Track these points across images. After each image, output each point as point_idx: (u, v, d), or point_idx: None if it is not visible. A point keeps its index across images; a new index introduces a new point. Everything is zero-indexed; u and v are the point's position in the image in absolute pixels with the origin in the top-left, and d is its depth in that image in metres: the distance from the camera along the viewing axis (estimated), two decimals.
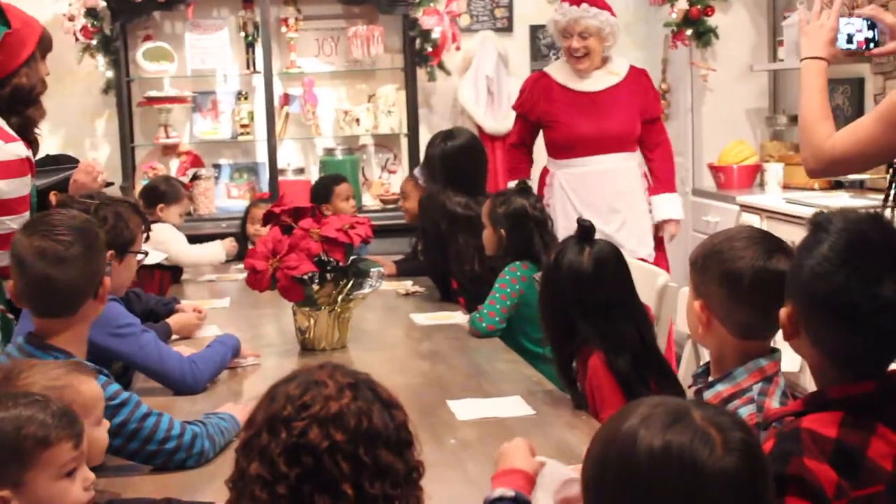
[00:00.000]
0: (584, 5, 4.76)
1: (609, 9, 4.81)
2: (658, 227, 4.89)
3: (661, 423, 1.30)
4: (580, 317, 2.76)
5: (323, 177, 5.77)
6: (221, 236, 5.54)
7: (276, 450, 1.44)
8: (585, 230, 2.84)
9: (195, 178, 6.20)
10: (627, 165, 4.85)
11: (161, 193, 4.93)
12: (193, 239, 5.36)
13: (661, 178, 4.91)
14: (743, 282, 2.08)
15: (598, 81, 4.87)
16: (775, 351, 2.16)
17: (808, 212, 4.67)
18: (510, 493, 1.83)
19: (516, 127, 5.12)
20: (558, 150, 4.88)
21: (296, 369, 1.56)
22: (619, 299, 2.79)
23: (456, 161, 4.30)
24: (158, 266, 4.58)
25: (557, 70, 4.95)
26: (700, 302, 2.16)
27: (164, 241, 4.45)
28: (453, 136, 4.45)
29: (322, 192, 5.23)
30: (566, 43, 4.82)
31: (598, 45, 4.80)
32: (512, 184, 4.50)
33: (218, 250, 4.97)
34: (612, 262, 2.84)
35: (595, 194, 4.77)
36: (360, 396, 1.48)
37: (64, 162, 4.08)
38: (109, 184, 4.63)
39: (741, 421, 1.35)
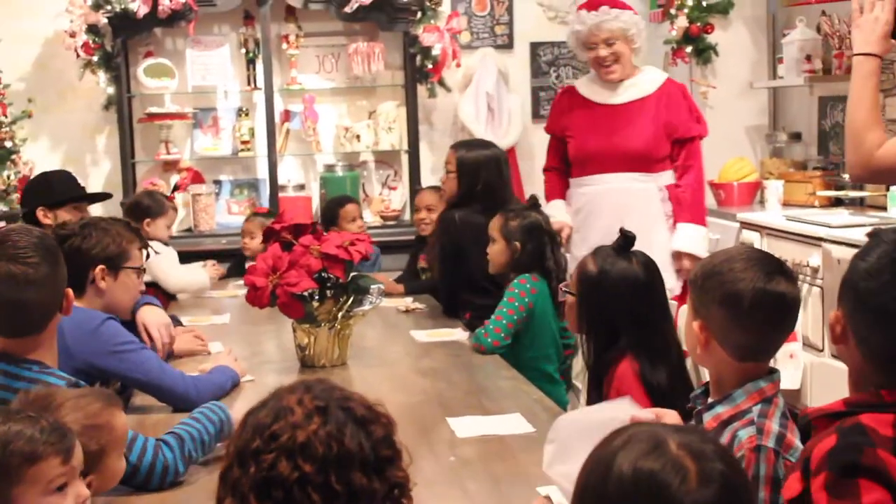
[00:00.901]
0: (604, 7, 4.44)
1: (630, 7, 4.53)
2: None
3: (636, 450, 1.28)
4: (627, 325, 2.79)
5: (329, 200, 5.74)
6: (222, 252, 5.55)
7: (246, 484, 1.43)
8: (629, 240, 2.88)
9: (175, 189, 6.19)
10: (642, 187, 4.45)
11: (145, 208, 4.92)
12: (192, 255, 5.37)
13: (683, 206, 4.47)
14: (743, 304, 2.07)
15: (622, 94, 4.53)
16: (774, 372, 2.15)
17: (808, 229, 4.68)
18: None
19: (548, 148, 4.77)
20: (573, 167, 4.60)
21: (272, 392, 1.54)
22: (661, 311, 2.86)
23: (489, 172, 4.29)
24: (152, 284, 4.57)
25: (584, 82, 4.68)
26: (699, 322, 2.15)
27: (150, 263, 4.42)
28: (488, 145, 4.49)
29: (328, 215, 5.24)
30: (591, 54, 4.49)
31: (626, 49, 4.47)
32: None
33: (202, 278, 4.88)
34: (659, 272, 2.93)
35: (596, 215, 4.43)
36: (330, 420, 1.45)
37: (56, 180, 4.11)
38: (108, 195, 4.64)
39: (726, 452, 1.32)
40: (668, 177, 4.50)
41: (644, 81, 4.54)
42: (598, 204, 4.47)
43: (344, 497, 1.42)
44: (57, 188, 4.05)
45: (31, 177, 5.68)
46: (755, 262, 2.12)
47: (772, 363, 2.19)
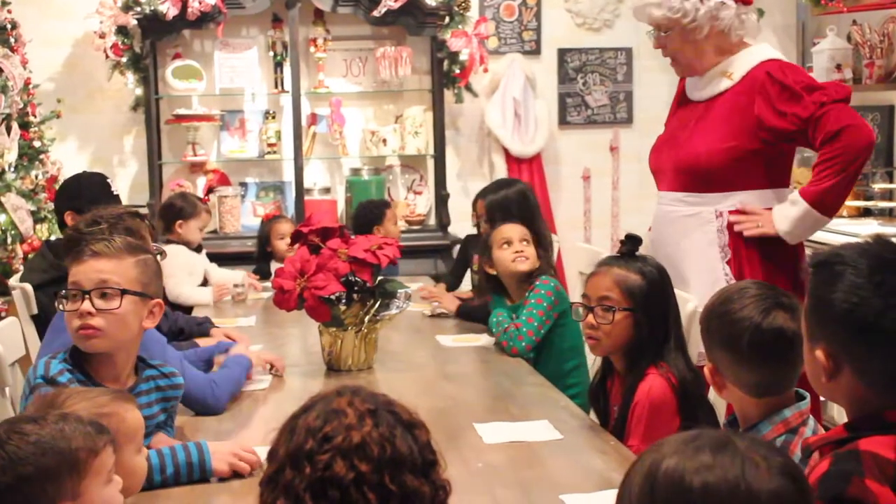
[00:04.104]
0: None
1: None
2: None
3: (706, 456, 1.29)
4: (672, 326, 2.78)
5: (371, 200, 5.68)
6: (247, 255, 5.55)
7: (300, 485, 1.42)
8: (635, 242, 2.89)
9: (211, 191, 6.22)
10: (693, 212, 3.43)
11: (178, 210, 4.92)
12: (218, 257, 5.37)
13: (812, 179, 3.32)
14: (742, 344, 2.07)
15: (704, 88, 3.49)
16: (802, 398, 2.13)
17: (836, 239, 4.64)
18: None
19: None
20: None
21: (312, 397, 1.54)
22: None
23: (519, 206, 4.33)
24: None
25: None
26: (709, 367, 2.15)
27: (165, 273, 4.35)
28: (511, 183, 4.57)
29: (376, 213, 5.19)
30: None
31: (680, 43, 3.43)
32: None
33: (206, 296, 4.74)
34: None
35: (654, 244, 3.49)
36: (382, 422, 1.46)
37: (86, 184, 4.07)
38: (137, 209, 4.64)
39: (777, 447, 1.34)
40: (736, 199, 3.38)
41: (731, 68, 3.44)
42: (654, 231, 3.60)
43: (398, 497, 1.42)
44: (86, 193, 4.03)
45: (58, 176, 5.71)
46: (753, 299, 2.11)
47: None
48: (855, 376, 1.66)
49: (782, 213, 3.30)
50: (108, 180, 4.02)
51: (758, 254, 3.36)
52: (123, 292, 2.41)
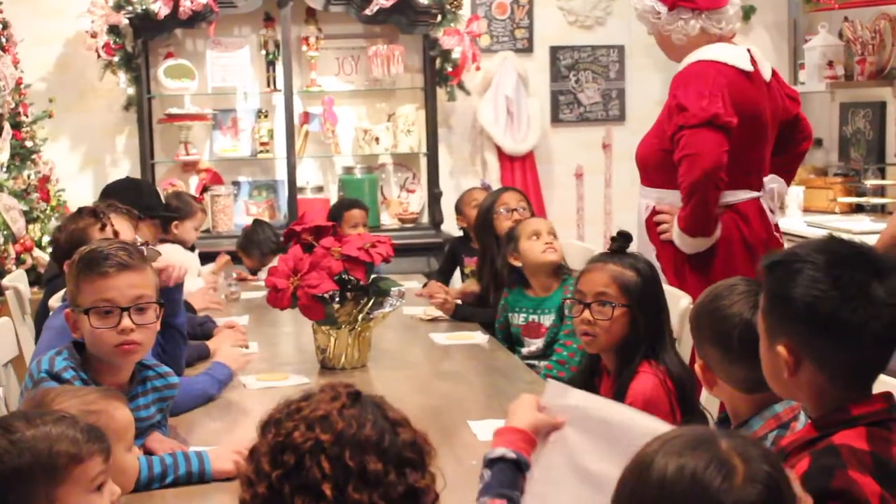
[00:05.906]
0: None
1: None
2: None
3: (679, 448, 1.28)
4: (667, 322, 2.80)
5: (342, 199, 5.73)
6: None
7: (262, 449, 1.44)
8: (626, 239, 2.90)
9: (205, 190, 6.21)
10: (642, 203, 3.78)
11: (174, 210, 4.90)
12: (211, 256, 5.37)
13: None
14: (732, 340, 2.07)
15: None
16: None
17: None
18: (511, 454, 1.75)
19: None
20: None
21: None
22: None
23: None
24: None
25: None
26: (700, 363, 2.15)
27: None
28: None
29: (334, 214, 5.22)
30: None
31: (655, 37, 3.79)
32: None
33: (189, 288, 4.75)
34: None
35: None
36: (357, 406, 1.46)
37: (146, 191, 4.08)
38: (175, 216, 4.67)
39: (772, 454, 1.33)
40: (660, 195, 3.66)
41: (681, 68, 3.65)
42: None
43: (356, 476, 1.40)
44: (146, 200, 4.08)
45: (50, 176, 5.71)
46: (742, 295, 2.11)
47: None
48: (816, 370, 1.68)
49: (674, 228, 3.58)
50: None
51: (672, 248, 3.61)
52: (158, 304, 2.45)
